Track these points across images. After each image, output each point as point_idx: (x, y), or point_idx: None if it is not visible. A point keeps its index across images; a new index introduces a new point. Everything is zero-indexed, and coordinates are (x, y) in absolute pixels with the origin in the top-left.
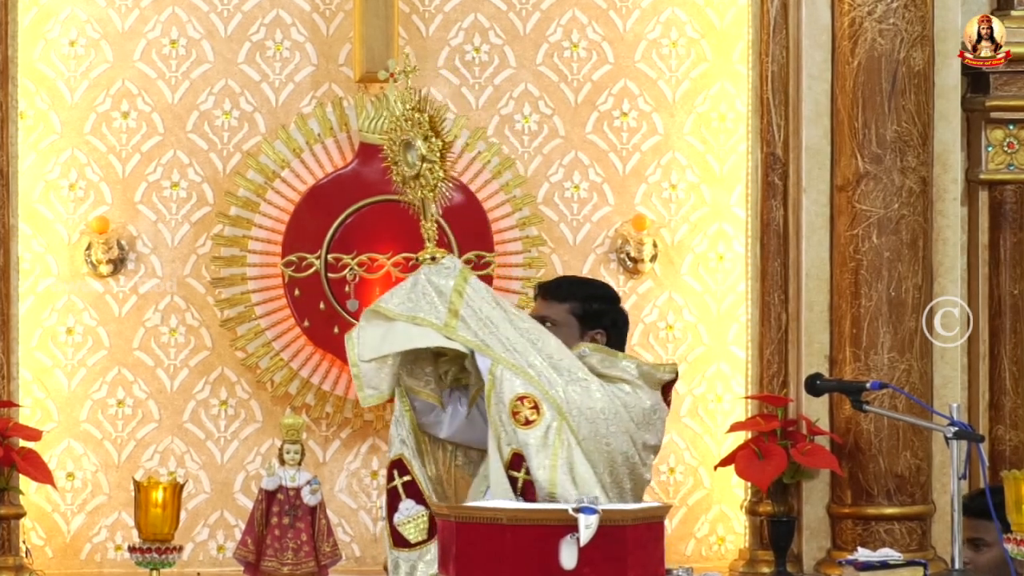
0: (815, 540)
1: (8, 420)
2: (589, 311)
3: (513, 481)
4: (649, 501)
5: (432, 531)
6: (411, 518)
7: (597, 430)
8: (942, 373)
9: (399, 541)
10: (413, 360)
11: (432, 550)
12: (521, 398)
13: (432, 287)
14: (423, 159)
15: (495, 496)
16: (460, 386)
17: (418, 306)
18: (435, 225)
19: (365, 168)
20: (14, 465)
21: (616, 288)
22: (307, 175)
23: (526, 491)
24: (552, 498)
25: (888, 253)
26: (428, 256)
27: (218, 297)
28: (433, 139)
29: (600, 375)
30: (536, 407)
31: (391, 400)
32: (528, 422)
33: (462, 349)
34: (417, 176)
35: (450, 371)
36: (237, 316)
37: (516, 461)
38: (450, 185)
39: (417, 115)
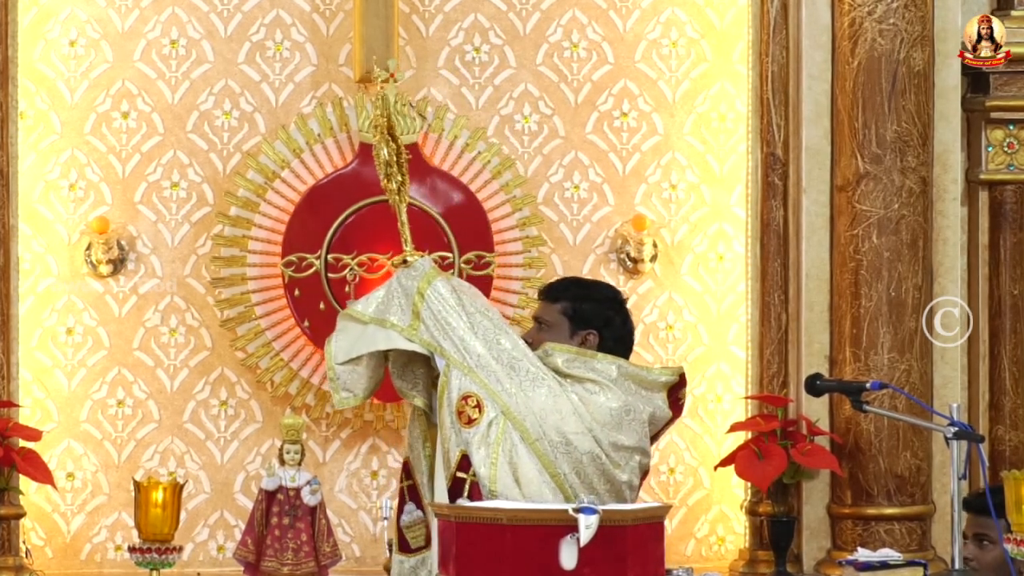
0: (815, 540)
1: (8, 420)
2: (579, 311)
3: (461, 482)
4: (648, 501)
5: (428, 539)
6: (413, 523)
7: (550, 428)
8: (942, 373)
9: (404, 546)
10: (405, 363)
11: (423, 557)
12: (465, 397)
13: (402, 290)
14: (386, 163)
15: (437, 500)
16: None
17: (389, 309)
18: (407, 227)
19: (365, 168)
20: (14, 465)
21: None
22: (307, 175)
23: (472, 492)
24: (492, 495)
25: (888, 253)
26: (400, 259)
27: (218, 297)
28: (390, 143)
29: (565, 375)
30: (479, 406)
31: (402, 402)
32: (471, 421)
33: (422, 351)
34: (388, 179)
35: None
36: (237, 316)
37: (465, 463)
38: (407, 188)
39: (382, 120)
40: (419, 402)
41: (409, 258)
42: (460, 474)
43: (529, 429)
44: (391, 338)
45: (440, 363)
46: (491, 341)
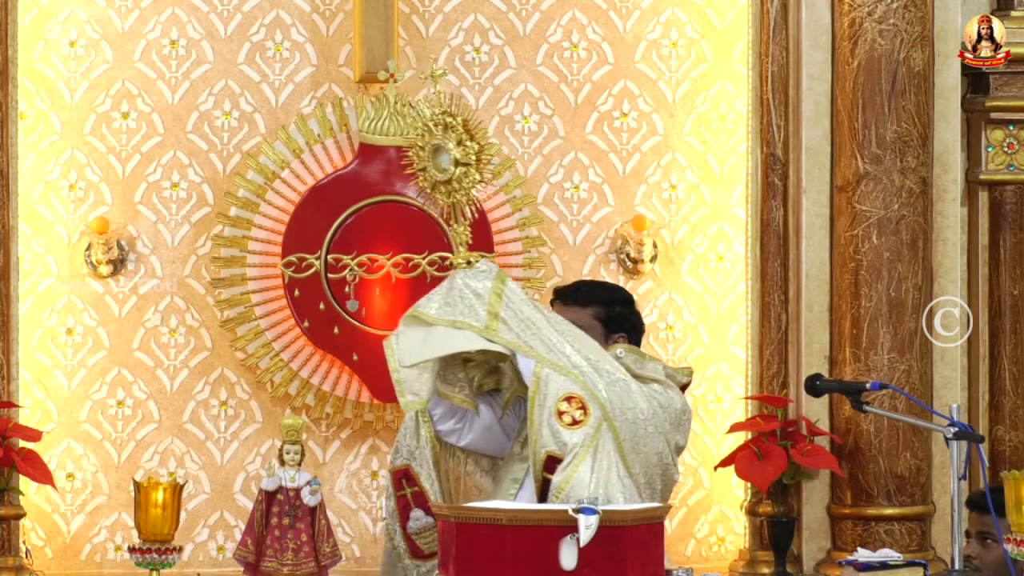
0: (815, 540)
1: (8, 420)
2: (612, 315)
3: (547, 483)
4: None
5: None
6: (422, 529)
7: (637, 431)
8: (942, 373)
9: (415, 552)
10: (445, 366)
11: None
12: (568, 398)
13: (469, 290)
14: (457, 163)
15: (518, 503)
16: (482, 393)
17: (457, 310)
18: (469, 229)
19: (365, 168)
20: (14, 466)
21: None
22: (307, 175)
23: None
24: (555, 498)
25: (888, 253)
26: (463, 260)
27: (218, 298)
28: (468, 143)
29: (635, 376)
30: (584, 407)
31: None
32: (575, 422)
33: (504, 351)
34: (448, 181)
35: (475, 377)
36: (237, 317)
37: (551, 464)
38: (483, 188)
39: (448, 119)
40: (467, 404)
41: (471, 259)
42: (547, 475)
43: (619, 430)
44: (469, 339)
45: (526, 364)
46: (573, 341)
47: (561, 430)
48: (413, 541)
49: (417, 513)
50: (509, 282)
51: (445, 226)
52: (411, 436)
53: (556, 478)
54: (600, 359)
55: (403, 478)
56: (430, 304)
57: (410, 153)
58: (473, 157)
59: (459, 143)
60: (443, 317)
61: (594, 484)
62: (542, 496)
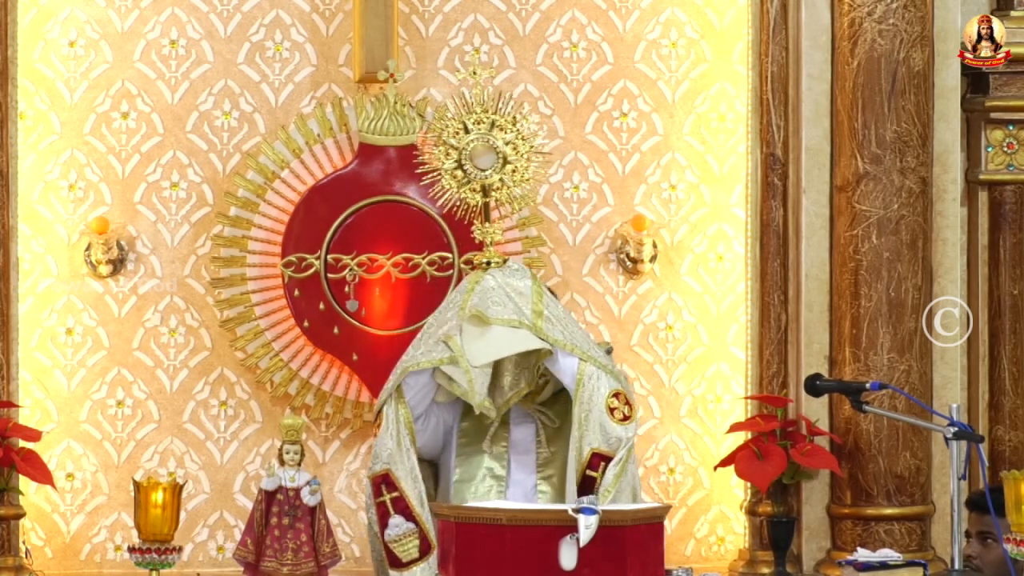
0: (815, 540)
1: (8, 420)
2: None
3: (591, 481)
4: (649, 501)
5: (423, 549)
6: (401, 536)
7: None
8: (942, 373)
9: (393, 561)
10: None
11: (423, 568)
12: (616, 395)
13: (510, 289)
14: (505, 161)
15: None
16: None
17: (507, 309)
18: (501, 228)
19: (365, 168)
20: (14, 465)
21: (616, 288)
22: (307, 175)
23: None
24: (610, 491)
25: (888, 253)
26: (500, 259)
27: (218, 297)
28: (519, 141)
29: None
30: (629, 403)
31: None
32: (626, 418)
33: (550, 348)
34: (487, 179)
35: None
36: (237, 316)
37: (595, 461)
38: (531, 185)
39: (496, 118)
40: (487, 404)
41: (505, 258)
42: (590, 472)
43: None
44: (526, 338)
45: (568, 361)
46: (590, 338)
47: (615, 426)
48: (391, 550)
49: (396, 520)
50: (539, 280)
51: (477, 223)
52: (392, 440)
53: (610, 473)
54: (603, 355)
55: (382, 483)
56: (484, 304)
57: (435, 150)
58: (524, 156)
59: (508, 142)
60: (499, 316)
61: (633, 479)
62: (582, 492)
